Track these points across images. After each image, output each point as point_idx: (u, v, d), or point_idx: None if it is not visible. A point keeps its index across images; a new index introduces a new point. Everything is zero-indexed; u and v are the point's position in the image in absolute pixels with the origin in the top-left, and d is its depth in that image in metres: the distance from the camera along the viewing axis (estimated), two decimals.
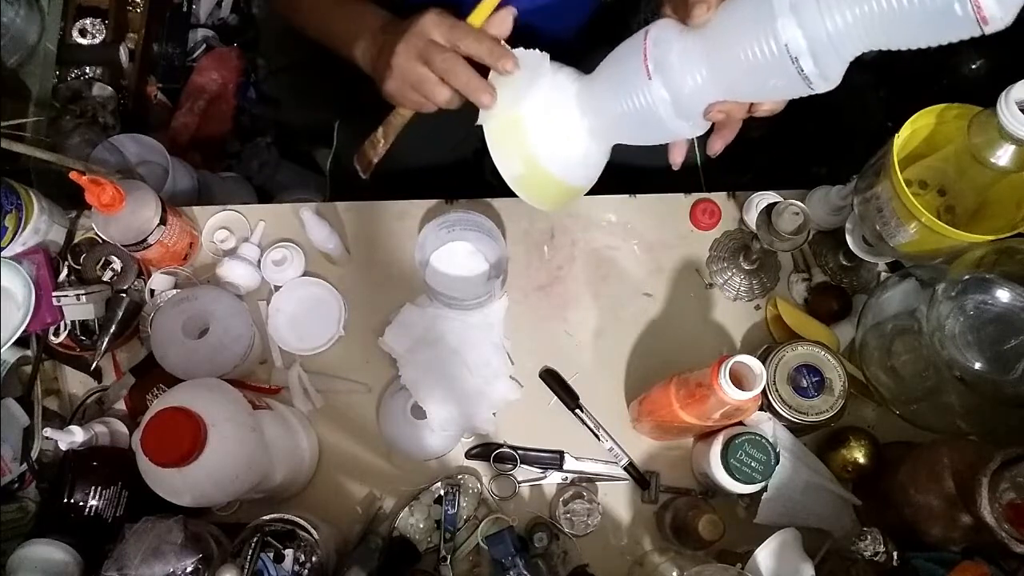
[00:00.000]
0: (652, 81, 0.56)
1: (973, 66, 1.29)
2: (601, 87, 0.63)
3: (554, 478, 0.86)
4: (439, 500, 0.83)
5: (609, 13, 1.03)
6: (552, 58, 0.67)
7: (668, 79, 0.56)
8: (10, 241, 0.84)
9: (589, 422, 0.86)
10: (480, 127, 0.67)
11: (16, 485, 0.83)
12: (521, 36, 0.68)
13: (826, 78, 0.51)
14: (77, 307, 0.84)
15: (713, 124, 0.63)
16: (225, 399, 0.69)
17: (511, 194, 0.72)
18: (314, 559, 0.70)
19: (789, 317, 0.85)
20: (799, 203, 0.77)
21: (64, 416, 0.86)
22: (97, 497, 0.76)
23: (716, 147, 0.66)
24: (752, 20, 0.51)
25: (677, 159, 0.70)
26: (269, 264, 0.90)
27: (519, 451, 0.86)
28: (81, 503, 0.75)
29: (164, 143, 1.22)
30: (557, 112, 0.64)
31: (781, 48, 0.49)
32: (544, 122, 0.64)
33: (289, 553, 0.68)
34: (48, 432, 0.80)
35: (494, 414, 0.87)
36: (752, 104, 0.59)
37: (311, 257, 0.92)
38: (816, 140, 1.54)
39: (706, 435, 0.80)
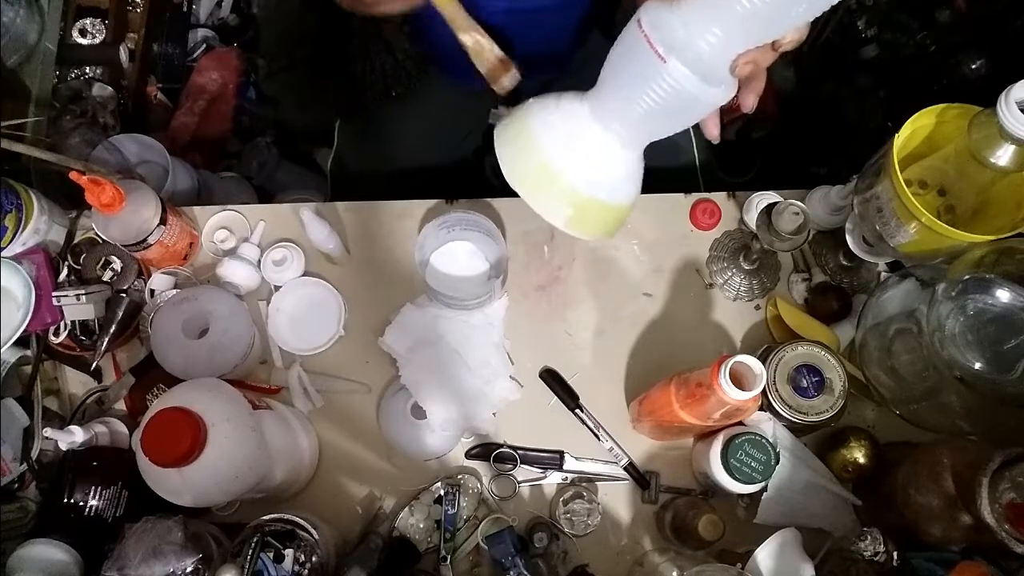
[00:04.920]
0: (668, 63, 0.53)
1: (973, 66, 1.29)
2: (616, 94, 0.59)
3: (554, 478, 0.86)
4: (439, 500, 0.83)
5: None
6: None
7: (683, 53, 0.53)
8: (10, 241, 0.84)
9: (589, 422, 0.86)
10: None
11: (16, 485, 0.83)
12: (524, 26, 0.66)
13: None
14: (77, 307, 0.84)
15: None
16: (225, 399, 0.69)
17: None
18: (314, 559, 0.70)
19: (789, 317, 0.85)
20: (799, 203, 0.77)
21: (64, 416, 0.86)
22: (97, 497, 0.76)
23: (749, 102, 0.61)
24: None
25: (714, 131, 0.65)
26: (269, 264, 0.90)
27: (519, 451, 0.86)
28: (81, 503, 0.75)
29: (164, 143, 1.22)
30: (581, 140, 0.61)
31: None
32: (573, 155, 0.61)
33: (289, 553, 0.68)
34: (48, 432, 0.80)
35: (494, 414, 0.87)
36: (775, 42, 0.55)
37: (311, 257, 0.92)
38: (816, 140, 1.54)
39: (706, 435, 0.80)
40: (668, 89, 0.54)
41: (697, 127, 0.65)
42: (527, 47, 0.79)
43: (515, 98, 0.72)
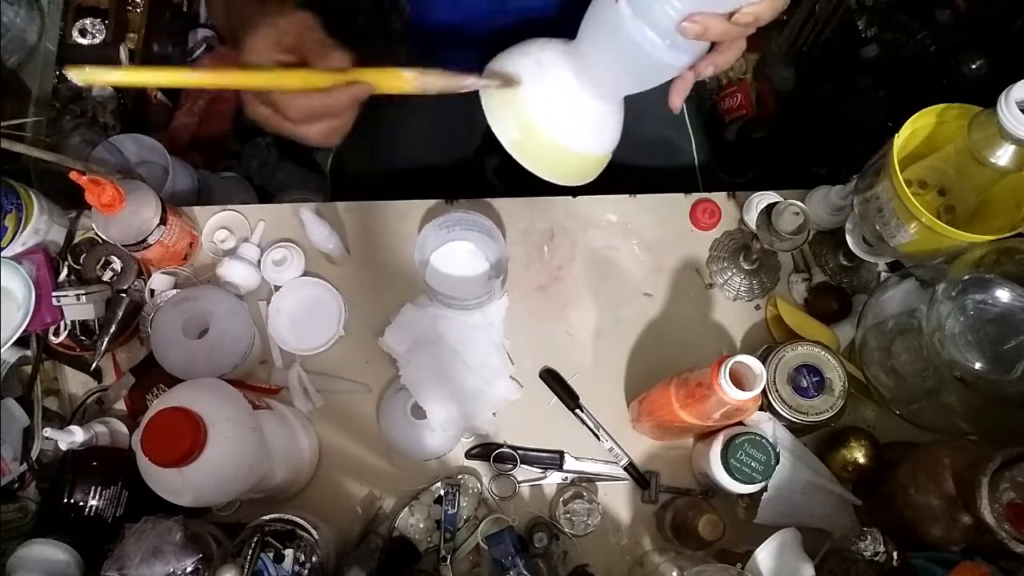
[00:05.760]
0: (619, 4, 0.55)
1: (973, 66, 1.29)
2: (582, 40, 0.62)
3: (554, 478, 0.86)
4: (439, 500, 0.83)
5: None
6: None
7: (636, 2, 0.55)
8: (10, 241, 0.84)
9: (589, 422, 0.86)
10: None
11: (16, 485, 0.83)
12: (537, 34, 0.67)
13: None
14: (77, 307, 0.84)
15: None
16: (225, 399, 0.69)
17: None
18: (314, 559, 0.70)
19: (789, 317, 0.85)
20: (799, 203, 0.77)
21: (64, 416, 0.86)
22: (97, 497, 0.76)
23: (700, 67, 0.61)
24: None
25: (675, 101, 0.65)
26: (269, 264, 0.89)
27: (519, 451, 0.86)
28: (81, 503, 0.75)
29: (164, 143, 1.22)
30: (549, 77, 0.64)
31: None
32: (537, 85, 0.64)
33: (289, 553, 0.68)
34: (48, 432, 0.80)
35: (494, 414, 0.87)
36: (732, 15, 0.55)
37: (311, 257, 0.92)
38: (816, 140, 1.54)
39: (706, 435, 0.80)
40: (620, 35, 0.56)
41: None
42: None
43: None
